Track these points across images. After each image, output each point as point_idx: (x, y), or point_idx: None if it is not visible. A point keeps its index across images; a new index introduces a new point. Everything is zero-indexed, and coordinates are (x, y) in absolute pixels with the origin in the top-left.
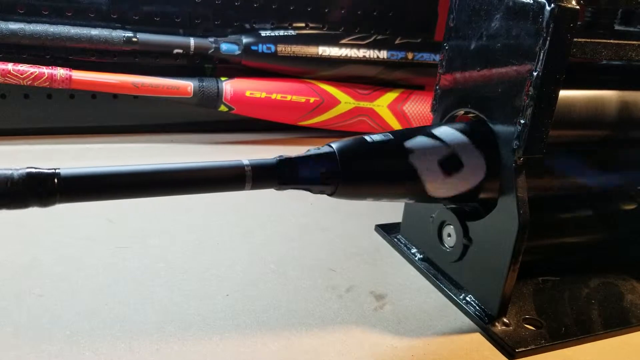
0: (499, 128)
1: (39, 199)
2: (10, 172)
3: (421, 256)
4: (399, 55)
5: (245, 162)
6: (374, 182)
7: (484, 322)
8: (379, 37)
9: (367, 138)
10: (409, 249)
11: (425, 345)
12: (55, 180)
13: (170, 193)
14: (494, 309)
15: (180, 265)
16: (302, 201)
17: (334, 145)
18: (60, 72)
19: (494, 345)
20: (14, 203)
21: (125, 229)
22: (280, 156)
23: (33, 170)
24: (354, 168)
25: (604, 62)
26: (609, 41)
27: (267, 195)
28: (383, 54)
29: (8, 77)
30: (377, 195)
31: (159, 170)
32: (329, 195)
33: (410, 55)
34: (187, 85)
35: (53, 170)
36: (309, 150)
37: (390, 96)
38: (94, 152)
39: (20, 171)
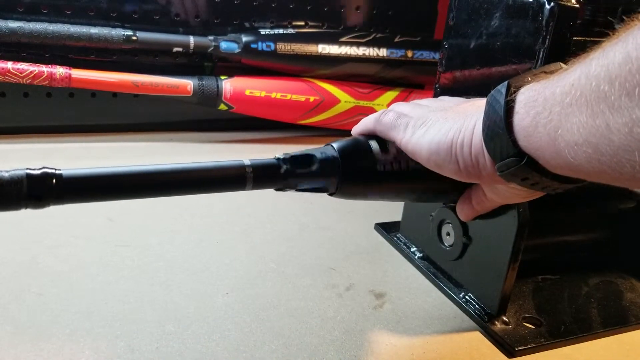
0: None
1: (35, 201)
2: (3, 173)
3: (421, 255)
4: (398, 53)
5: (246, 162)
6: (374, 181)
7: (484, 321)
8: (378, 35)
9: (369, 137)
10: (409, 248)
11: (425, 343)
12: (54, 181)
13: (171, 194)
14: (493, 308)
15: (180, 264)
16: (302, 200)
17: (335, 145)
18: (59, 70)
19: (494, 343)
20: (9, 205)
21: (125, 228)
22: (281, 155)
23: (30, 171)
24: (354, 167)
25: None
26: None
27: (267, 194)
28: (383, 52)
29: (7, 75)
30: (377, 194)
31: (159, 171)
32: (330, 194)
33: (410, 54)
34: (187, 83)
35: (52, 171)
36: (309, 149)
37: (390, 95)
38: (94, 150)
39: (18, 172)
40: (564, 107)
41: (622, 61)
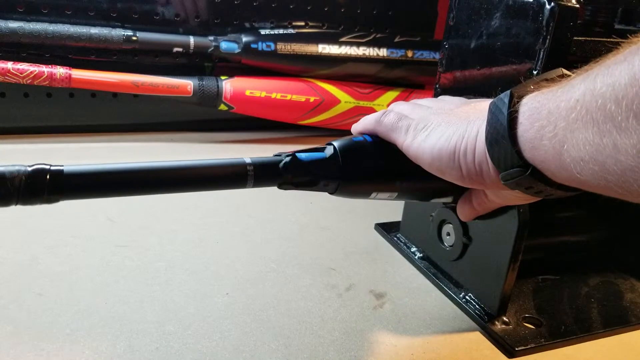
0: None
1: (43, 196)
2: (14, 168)
3: (421, 255)
4: (398, 53)
5: (248, 160)
6: (375, 180)
7: (484, 321)
8: (378, 35)
9: (369, 136)
10: (409, 248)
11: (425, 343)
12: (60, 177)
13: (172, 191)
14: (493, 308)
15: (179, 264)
16: (302, 200)
17: (336, 144)
18: (59, 70)
19: (494, 344)
20: (19, 200)
21: (125, 228)
22: (282, 154)
23: (38, 166)
24: (355, 166)
25: None
26: (609, 40)
27: (267, 194)
28: (383, 52)
29: (8, 75)
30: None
31: (160, 168)
32: (331, 193)
33: (410, 53)
34: (187, 84)
35: (57, 167)
36: (310, 148)
37: (391, 95)
38: (94, 151)
39: (25, 168)
40: (569, 122)
41: (629, 82)
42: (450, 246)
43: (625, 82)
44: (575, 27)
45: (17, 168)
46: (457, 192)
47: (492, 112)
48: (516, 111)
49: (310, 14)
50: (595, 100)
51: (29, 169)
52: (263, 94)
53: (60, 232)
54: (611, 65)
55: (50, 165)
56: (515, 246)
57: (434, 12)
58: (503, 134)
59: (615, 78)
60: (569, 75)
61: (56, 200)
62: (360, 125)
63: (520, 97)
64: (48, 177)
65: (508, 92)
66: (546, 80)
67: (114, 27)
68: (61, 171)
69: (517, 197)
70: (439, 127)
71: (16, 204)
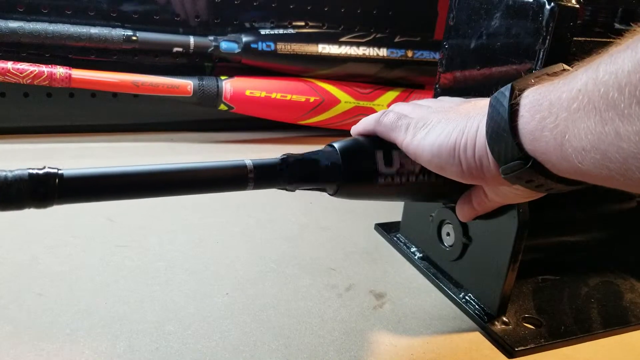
0: None
1: (38, 200)
2: (6, 173)
3: (421, 255)
4: (398, 53)
5: (248, 162)
6: (375, 183)
7: (484, 321)
8: (378, 35)
9: (369, 137)
10: (409, 248)
11: (425, 344)
12: (57, 181)
13: (172, 194)
14: (493, 308)
15: (179, 264)
16: (302, 200)
17: (336, 145)
18: (59, 70)
19: (494, 344)
20: (12, 205)
21: (125, 228)
22: (283, 156)
23: (33, 171)
24: (356, 168)
25: None
26: (608, 40)
27: (267, 194)
28: (383, 52)
29: (8, 75)
30: (379, 195)
31: (160, 171)
32: (331, 195)
33: (410, 53)
34: (187, 84)
35: (54, 171)
36: (310, 150)
37: (391, 95)
38: (94, 151)
39: (20, 172)
40: (571, 112)
41: (632, 69)
42: (450, 246)
43: (628, 69)
44: (575, 27)
45: (19, 172)
46: (457, 192)
47: (493, 105)
48: (517, 104)
49: (310, 14)
50: (598, 88)
51: (29, 173)
52: (263, 94)
53: (60, 232)
54: (614, 53)
55: (49, 168)
56: (515, 246)
57: (434, 12)
58: (504, 127)
59: (618, 65)
60: (570, 70)
61: (51, 204)
62: (360, 127)
63: (522, 90)
64: (49, 181)
65: (509, 85)
66: (547, 74)
67: (114, 27)
68: (59, 175)
69: (517, 195)
70: (439, 124)
71: (9, 209)
